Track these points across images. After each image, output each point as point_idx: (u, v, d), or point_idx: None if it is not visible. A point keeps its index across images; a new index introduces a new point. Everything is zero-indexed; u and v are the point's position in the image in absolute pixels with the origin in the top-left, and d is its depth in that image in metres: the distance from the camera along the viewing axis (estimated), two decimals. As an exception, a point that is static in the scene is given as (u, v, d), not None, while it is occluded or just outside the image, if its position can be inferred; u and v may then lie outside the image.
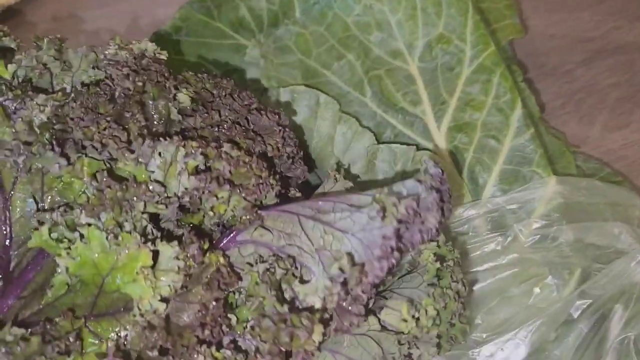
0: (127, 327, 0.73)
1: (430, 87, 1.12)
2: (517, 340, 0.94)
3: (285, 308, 0.71)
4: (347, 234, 0.75)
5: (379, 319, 0.83)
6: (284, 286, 0.75)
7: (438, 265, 0.83)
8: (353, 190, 0.88)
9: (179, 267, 0.71)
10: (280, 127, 0.91)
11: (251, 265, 0.80)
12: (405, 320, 0.80)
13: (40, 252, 0.80)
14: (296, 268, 0.77)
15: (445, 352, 0.85)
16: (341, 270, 0.70)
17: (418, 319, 0.80)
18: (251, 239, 0.82)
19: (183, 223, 0.81)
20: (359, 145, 1.08)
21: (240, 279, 0.78)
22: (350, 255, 0.71)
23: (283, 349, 0.71)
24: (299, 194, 0.93)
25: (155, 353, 0.69)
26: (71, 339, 0.69)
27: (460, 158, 1.09)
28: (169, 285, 0.71)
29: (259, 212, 0.81)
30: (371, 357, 0.81)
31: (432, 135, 1.10)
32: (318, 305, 0.72)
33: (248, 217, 0.80)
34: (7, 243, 0.79)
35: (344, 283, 0.70)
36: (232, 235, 0.82)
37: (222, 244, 0.81)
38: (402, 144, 1.07)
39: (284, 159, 0.92)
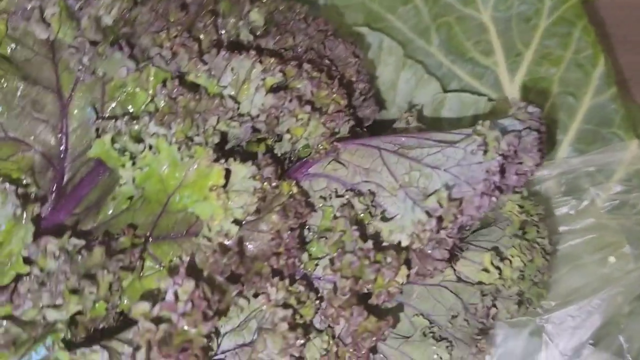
0: (190, 252, 0.67)
1: (504, 37, 1.05)
2: (589, 309, 0.88)
3: (370, 244, 0.65)
4: (437, 170, 0.68)
5: (454, 270, 0.77)
6: (365, 222, 0.68)
7: (524, 217, 0.76)
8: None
9: (254, 189, 0.65)
10: (356, 59, 0.84)
11: (324, 199, 0.73)
12: (486, 270, 0.73)
13: (96, 168, 0.73)
14: (374, 207, 0.71)
15: (522, 314, 0.78)
16: (439, 204, 0.63)
17: (500, 270, 0.73)
18: (324, 173, 0.75)
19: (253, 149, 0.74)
20: (423, 93, 1.01)
21: (313, 209, 0.72)
22: (447, 188, 0.64)
23: (364, 288, 0.64)
24: (367, 135, 0.86)
25: (224, 278, 0.62)
26: (136, 254, 0.62)
27: (534, 114, 1.03)
28: (242, 207, 0.65)
29: (335, 142, 0.74)
30: (446, 309, 0.75)
31: (503, 89, 1.03)
32: (405, 242, 0.66)
33: (324, 146, 0.73)
34: (62, 154, 0.72)
35: (440, 219, 0.63)
36: (303, 166, 0.75)
37: (292, 175, 0.75)
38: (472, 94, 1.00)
39: (357, 95, 0.85)
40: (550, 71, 1.02)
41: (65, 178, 0.72)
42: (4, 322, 0.57)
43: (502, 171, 0.64)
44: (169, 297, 0.56)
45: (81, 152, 0.72)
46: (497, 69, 1.04)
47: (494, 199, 0.64)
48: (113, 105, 0.73)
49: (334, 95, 0.72)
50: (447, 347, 0.73)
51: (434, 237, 0.66)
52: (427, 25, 1.07)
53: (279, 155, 0.75)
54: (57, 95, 0.72)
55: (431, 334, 0.73)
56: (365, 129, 0.87)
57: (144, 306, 0.55)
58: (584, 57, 1.02)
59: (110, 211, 0.69)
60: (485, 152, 0.65)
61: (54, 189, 0.71)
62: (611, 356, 0.89)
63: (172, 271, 0.60)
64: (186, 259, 0.66)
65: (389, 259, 0.64)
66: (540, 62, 1.03)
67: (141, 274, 0.66)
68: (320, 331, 0.68)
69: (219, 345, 0.69)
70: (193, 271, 0.60)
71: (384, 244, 0.68)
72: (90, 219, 0.70)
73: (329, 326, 0.69)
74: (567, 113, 1.01)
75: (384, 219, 0.69)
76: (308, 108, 0.69)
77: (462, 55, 1.05)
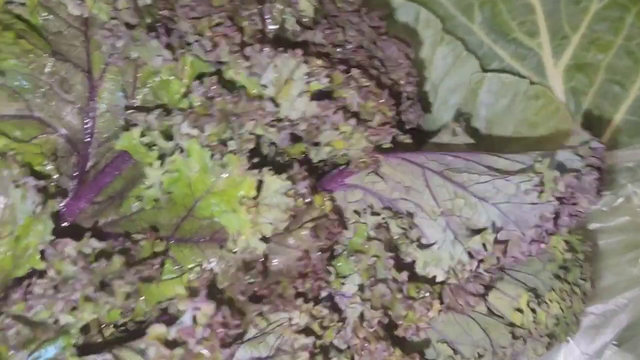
0: (212, 260, 0.63)
1: (551, 19, 0.98)
2: (615, 308, 0.83)
3: (405, 276, 0.61)
4: (484, 202, 0.63)
5: (486, 300, 0.73)
6: (400, 248, 0.64)
7: (568, 255, 0.71)
8: (481, 148, 0.75)
9: (287, 205, 0.60)
10: (407, 61, 0.78)
11: (358, 214, 0.69)
12: (520, 311, 0.69)
13: (120, 156, 0.69)
14: (410, 228, 0.66)
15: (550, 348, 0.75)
16: (484, 245, 0.58)
17: (535, 313, 0.69)
18: (361, 185, 0.71)
19: (287, 153, 0.70)
20: (461, 71, 0.93)
21: (345, 227, 0.68)
22: (494, 229, 0.60)
23: (392, 321, 0.60)
24: (408, 140, 0.80)
25: (245, 298, 0.59)
26: (156, 265, 0.59)
27: (577, 101, 0.96)
28: (272, 224, 0.61)
29: (377, 155, 0.69)
30: (471, 340, 0.71)
31: (546, 72, 0.97)
32: (440, 278, 0.62)
33: (365, 159, 0.68)
34: (87, 139, 0.68)
35: (482, 260, 0.59)
36: (340, 175, 0.71)
37: (327, 184, 0.70)
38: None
39: (403, 99, 0.79)
40: (597, 57, 0.96)
41: (89, 164, 0.69)
42: (16, 323, 0.55)
43: (557, 217, 0.59)
44: (187, 320, 0.53)
45: (107, 138, 0.68)
46: (541, 52, 0.98)
47: (542, 245, 0.59)
48: (145, 91, 0.69)
49: (382, 107, 0.67)
50: (468, 381, 0.70)
51: (471, 274, 0.62)
52: (471, 2, 1.00)
53: (315, 162, 0.70)
54: (87, 75, 0.68)
55: (455, 365, 0.70)
56: (406, 133, 0.82)
57: (160, 330, 0.52)
58: (636, 44, 0.95)
59: (133, 207, 0.65)
60: (541, 193, 0.60)
61: (76, 175, 0.68)
62: (635, 358, 0.86)
63: (193, 292, 0.57)
64: (207, 266, 0.62)
65: (422, 294, 0.60)
66: (587, 47, 0.96)
67: (161, 277, 0.63)
68: (340, 351, 0.65)
69: (233, 355, 0.66)
70: (213, 290, 0.57)
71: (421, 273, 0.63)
72: (111, 211, 0.67)
73: (349, 347, 0.66)
74: (612, 102, 0.94)
75: (421, 246, 0.64)
76: (353, 121, 0.64)
77: (505, 35, 0.98)
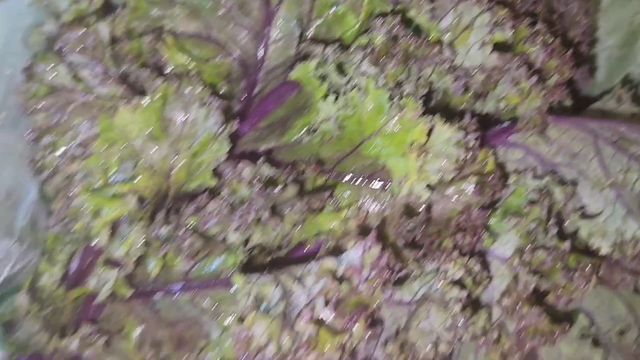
0: (368, 200, 0.64)
1: None
2: None
3: (567, 245, 0.59)
4: (663, 180, 0.60)
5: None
6: (562, 216, 0.62)
7: None
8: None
9: (456, 155, 0.60)
10: (586, 20, 0.73)
11: (519, 174, 0.67)
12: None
13: (286, 85, 0.69)
14: (575, 197, 0.64)
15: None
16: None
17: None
18: (524, 144, 0.69)
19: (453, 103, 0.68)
20: (621, 12, 0.84)
21: (504, 186, 0.66)
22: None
23: (550, 287, 0.59)
24: (568, 102, 0.77)
25: (404, 243, 0.60)
26: (324, 198, 0.60)
27: None
28: (439, 172, 0.60)
29: (548, 117, 0.66)
30: (610, 315, 0.69)
31: None
32: (605, 251, 0.60)
33: (535, 119, 0.66)
34: (258, 65, 0.69)
35: (658, 241, 0.57)
36: (504, 132, 0.69)
37: (491, 139, 0.69)
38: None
39: (578, 60, 0.75)
40: None
41: (256, 90, 0.70)
42: (191, 235, 0.58)
43: None
44: (356, 258, 0.54)
45: (276, 65, 0.69)
46: None
47: None
48: (319, 22, 0.68)
49: (563, 67, 0.64)
50: (603, 355, 0.69)
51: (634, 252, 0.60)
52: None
53: (482, 114, 0.68)
54: (265, 1, 0.68)
55: (590, 337, 0.68)
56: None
57: (332, 263, 0.54)
58: None
59: (297, 138, 0.66)
60: None
61: (243, 100, 0.69)
62: None
63: (363, 231, 0.58)
64: (366, 206, 0.63)
65: (583, 266, 0.59)
66: None
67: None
68: (482, 307, 0.65)
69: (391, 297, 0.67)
70: (379, 234, 0.57)
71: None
72: (273, 138, 0.68)
73: (488, 305, 0.65)
74: None
75: (584, 215, 0.62)
76: (534, 79, 0.62)
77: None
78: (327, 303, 0.53)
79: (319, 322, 0.54)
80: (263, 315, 0.53)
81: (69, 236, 0.67)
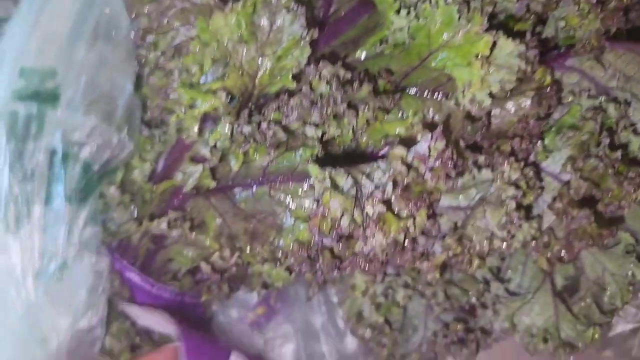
0: (432, 111, 0.69)
1: None
2: None
3: (618, 154, 0.64)
4: None
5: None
6: (614, 131, 0.67)
7: None
8: None
9: (518, 67, 0.65)
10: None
11: (574, 94, 0.72)
12: None
13: (358, 7, 0.75)
14: (628, 115, 0.69)
15: None
16: None
17: None
18: (580, 68, 0.73)
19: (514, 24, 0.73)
20: None
21: (560, 102, 0.71)
22: None
23: (598, 195, 0.64)
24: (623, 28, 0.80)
25: (466, 144, 0.65)
26: (394, 100, 0.66)
27: None
28: (500, 82, 0.65)
29: (605, 41, 0.71)
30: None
31: None
32: (654, 163, 0.64)
33: (593, 42, 0.70)
34: (335, -16, 0.75)
35: None
36: (562, 56, 0.74)
37: (549, 62, 0.73)
38: None
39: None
40: None
41: (331, 10, 0.76)
42: (274, 127, 0.65)
43: None
44: (423, 149, 0.60)
45: (351, -14, 0.75)
46: None
47: None
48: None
49: (622, -8, 0.68)
50: (646, 270, 0.73)
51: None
52: None
53: (541, 38, 0.73)
54: None
55: (635, 253, 0.73)
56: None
57: (401, 151, 0.60)
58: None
59: (366, 53, 0.72)
60: None
61: (319, 18, 0.75)
62: None
63: (430, 126, 0.64)
64: (441, 117, 0.68)
65: (633, 174, 0.63)
66: None
67: (384, 117, 0.70)
68: (532, 217, 0.70)
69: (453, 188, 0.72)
70: (445, 131, 0.63)
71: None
72: (346, 54, 0.74)
73: (539, 215, 0.71)
74: None
75: (636, 131, 0.67)
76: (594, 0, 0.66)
77: None
78: (395, 186, 0.59)
79: (387, 204, 0.60)
80: (338, 193, 0.59)
81: (158, 137, 0.75)
